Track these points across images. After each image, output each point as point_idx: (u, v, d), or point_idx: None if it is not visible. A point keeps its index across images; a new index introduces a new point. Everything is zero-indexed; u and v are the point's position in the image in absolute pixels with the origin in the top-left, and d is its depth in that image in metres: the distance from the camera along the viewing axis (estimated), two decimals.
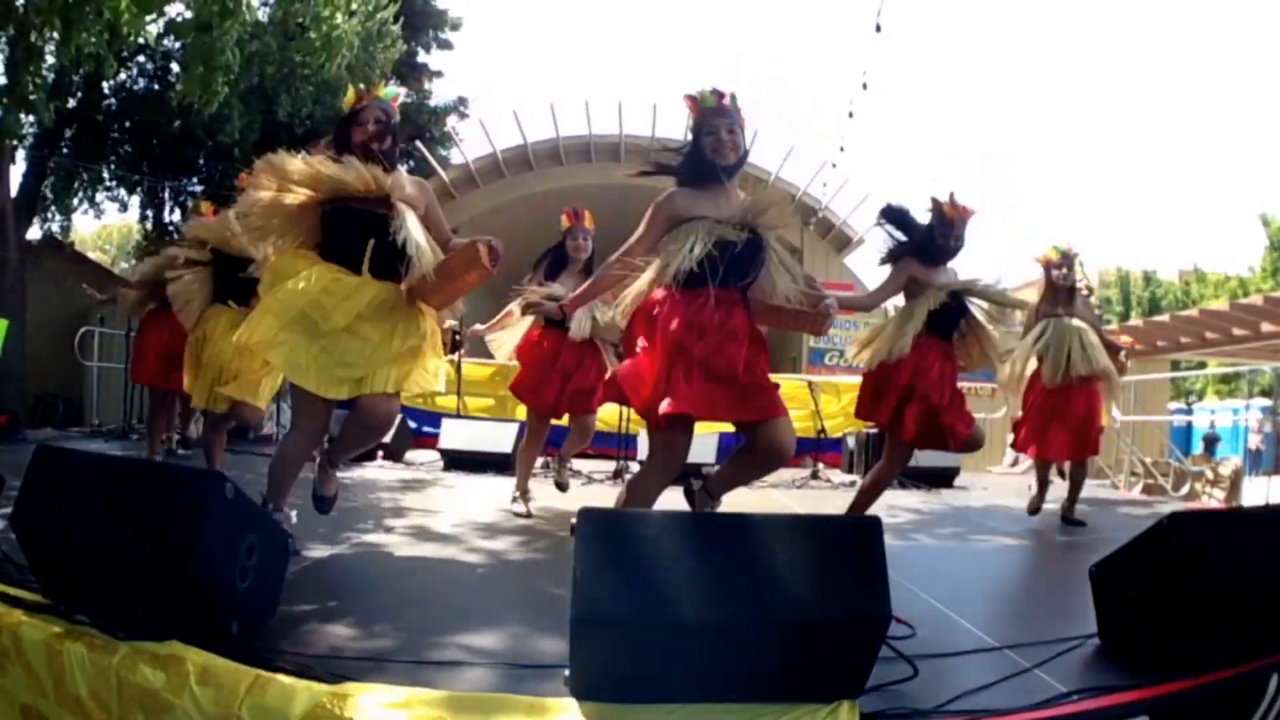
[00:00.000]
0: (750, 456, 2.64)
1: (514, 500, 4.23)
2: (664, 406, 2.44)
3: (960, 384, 3.67)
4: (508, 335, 4.28)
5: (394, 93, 2.88)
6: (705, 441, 6.57)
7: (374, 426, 2.71)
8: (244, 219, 2.78)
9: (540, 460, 6.35)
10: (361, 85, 2.92)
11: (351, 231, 2.66)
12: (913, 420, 3.42)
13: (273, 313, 2.59)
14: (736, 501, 5.24)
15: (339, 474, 2.95)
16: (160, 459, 5.23)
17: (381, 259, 2.66)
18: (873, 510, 3.46)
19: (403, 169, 2.87)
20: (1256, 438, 11.98)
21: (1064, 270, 4.57)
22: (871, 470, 3.71)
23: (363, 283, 2.64)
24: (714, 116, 2.65)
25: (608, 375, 4.13)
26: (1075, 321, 4.52)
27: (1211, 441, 11.77)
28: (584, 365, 4.10)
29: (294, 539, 2.21)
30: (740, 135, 2.67)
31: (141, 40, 8.22)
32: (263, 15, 9.52)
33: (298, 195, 2.66)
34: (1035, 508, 4.73)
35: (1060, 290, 4.60)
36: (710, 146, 2.64)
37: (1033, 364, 4.57)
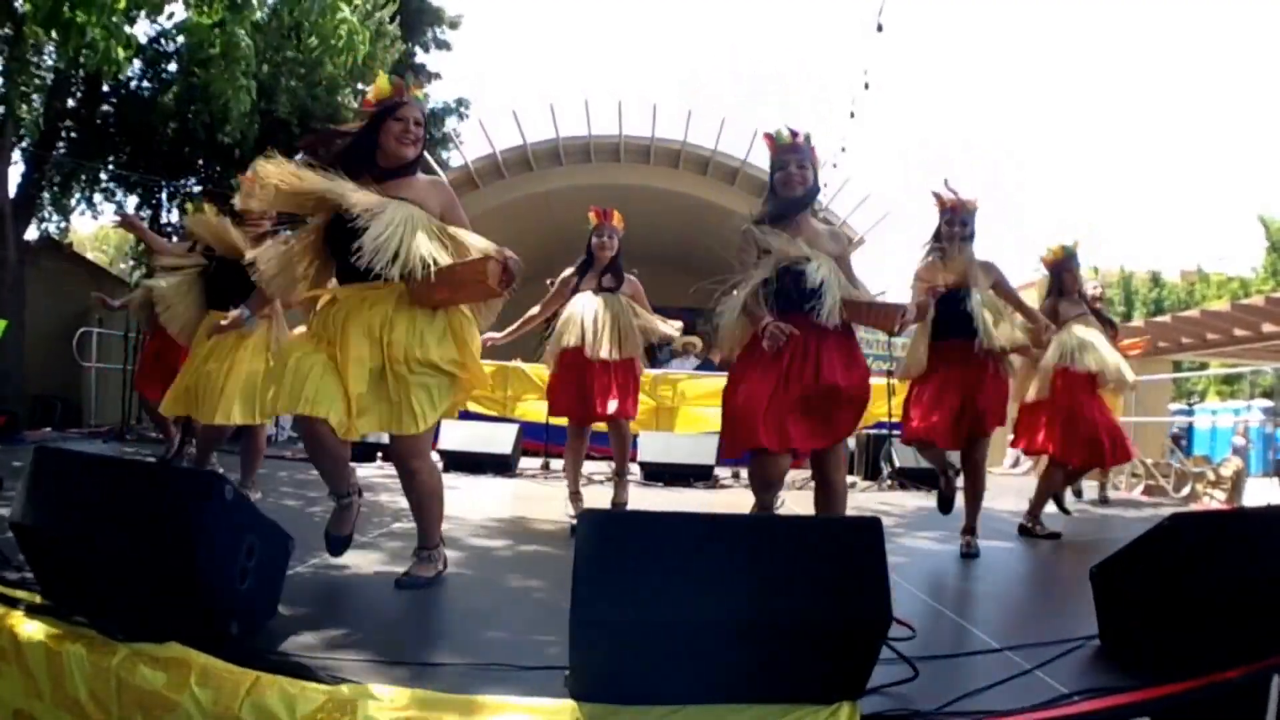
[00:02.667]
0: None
1: (569, 503, 4.17)
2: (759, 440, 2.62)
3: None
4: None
5: (427, 94, 2.77)
6: (706, 442, 6.58)
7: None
8: (267, 278, 2.62)
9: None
10: (396, 77, 2.64)
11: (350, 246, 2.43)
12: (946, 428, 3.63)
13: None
14: (737, 502, 5.25)
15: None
16: (176, 449, 5.30)
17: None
18: (873, 511, 3.48)
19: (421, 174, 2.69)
20: (1240, 439, 12.08)
21: (1072, 270, 4.52)
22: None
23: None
24: (785, 153, 2.84)
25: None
26: (1086, 331, 4.38)
27: (1178, 440, 12.14)
28: (602, 367, 4.04)
29: (291, 540, 2.20)
30: (810, 170, 2.85)
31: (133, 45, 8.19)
32: (261, 15, 9.49)
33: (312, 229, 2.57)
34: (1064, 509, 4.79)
35: (1069, 291, 4.51)
36: (780, 181, 2.83)
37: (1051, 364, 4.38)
